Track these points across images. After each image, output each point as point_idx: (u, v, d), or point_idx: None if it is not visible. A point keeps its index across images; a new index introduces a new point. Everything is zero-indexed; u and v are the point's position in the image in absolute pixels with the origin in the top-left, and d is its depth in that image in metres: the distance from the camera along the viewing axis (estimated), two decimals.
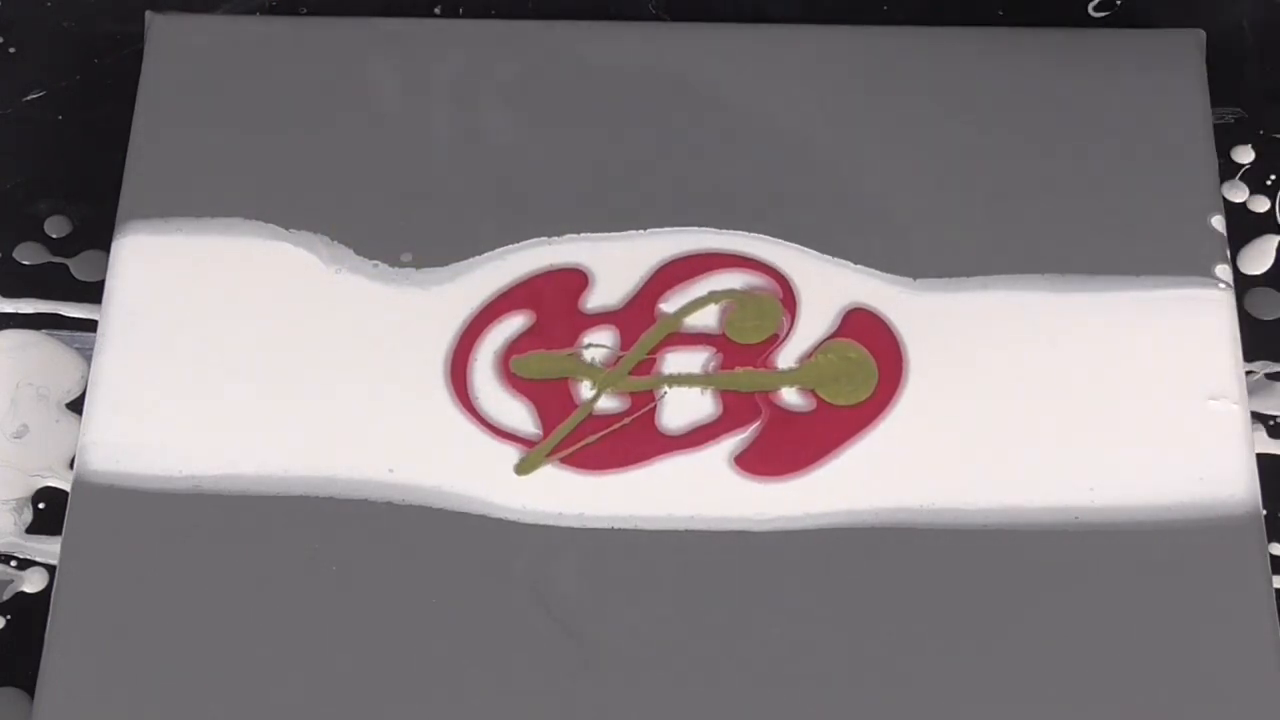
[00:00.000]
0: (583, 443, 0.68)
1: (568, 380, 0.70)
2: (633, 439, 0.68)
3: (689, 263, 0.71)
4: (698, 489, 0.67)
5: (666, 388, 0.69)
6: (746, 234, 0.72)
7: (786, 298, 0.71)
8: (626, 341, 0.70)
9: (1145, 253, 0.71)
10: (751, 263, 0.71)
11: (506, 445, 0.68)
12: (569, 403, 0.69)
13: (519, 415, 0.69)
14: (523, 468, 0.68)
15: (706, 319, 0.70)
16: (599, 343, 0.70)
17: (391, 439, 0.68)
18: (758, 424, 0.69)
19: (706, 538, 0.67)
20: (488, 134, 0.74)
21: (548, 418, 0.69)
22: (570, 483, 0.68)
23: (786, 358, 0.70)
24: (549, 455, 0.68)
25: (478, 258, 0.71)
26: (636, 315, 0.71)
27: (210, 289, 0.71)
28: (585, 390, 0.69)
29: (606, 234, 0.72)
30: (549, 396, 0.69)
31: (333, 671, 0.65)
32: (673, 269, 0.71)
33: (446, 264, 0.71)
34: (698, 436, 0.69)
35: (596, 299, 0.71)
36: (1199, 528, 0.67)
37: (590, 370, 0.70)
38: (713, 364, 0.70)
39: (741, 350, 0.70)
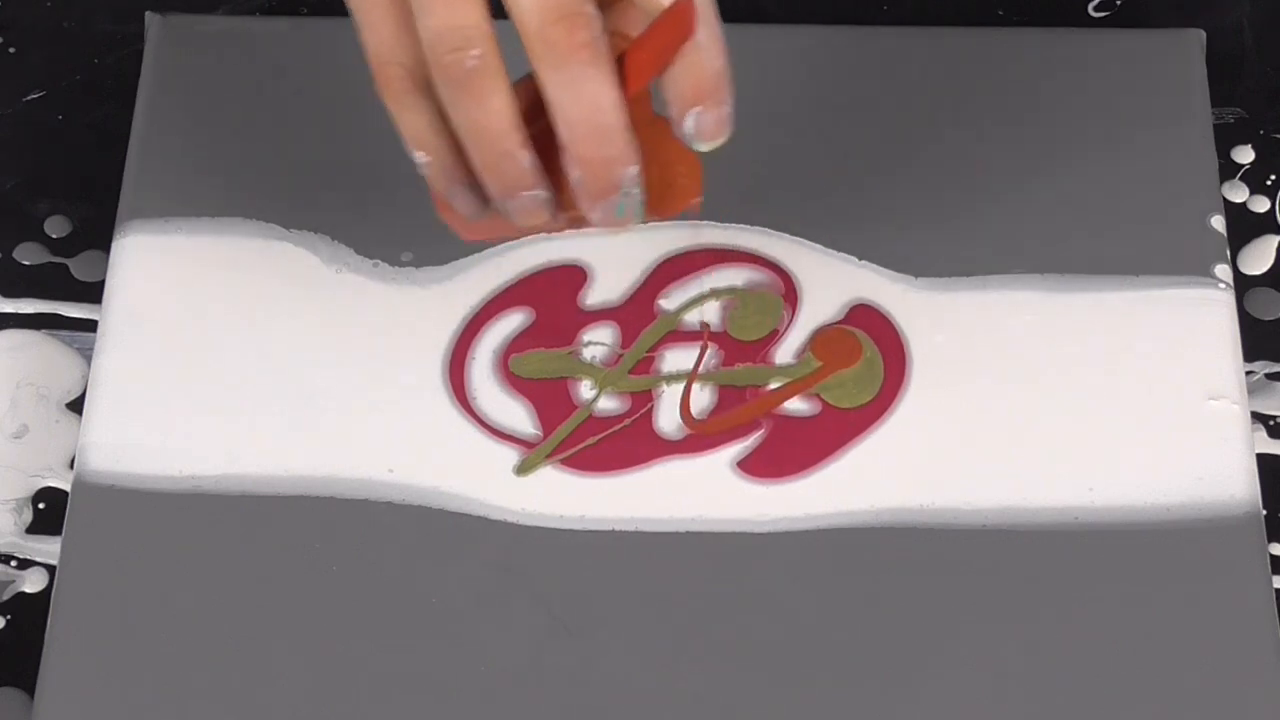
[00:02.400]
0: (582, 444, 0.68)
1: (567, 380, 0.70)
2: (634, 441, 0.68)
3: (689, 258, 0.71)
4: (699, 491, 0.67)
5: (665, 386, 0.69)
6: (748, 228, 0.72)
7: (789, 293, 0.71)
8: (626, 338, 0.70)
9: (1145, 253, 0.71)
10: (753, 258, 0.71)
11: (505, 446, 0.68)
12: (568, 403, 0.69)
13: (518, 415, 0.69)
14: (523, 469, 0.68)
15: (707, 316, 0.70)
16: (598, 340, 0.70)
17: (391, 439, 0.68)
18: (760, 433, 0.68)
19: (708, 539, 0.67)
20: None
21: (547, 418, 0.69)
22: (571, 485, 0.68)
23: (785, 354, 0.70)
24: (548, 457, 0.68)
25: (477, 255, 0.71)
26: (636, 311, 0.70)
27: (210, 289, 0.71)
28: (585, 390, 0.69)
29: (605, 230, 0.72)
30: (548, 396, 0.69)
31: (333, 671, 0.65)
32: (673, 264, 0.71)
33: (446, 262, 0.71)
34: (700, 442, 0.68)
35: (596, 295, 0.71)
36: (1199, 528, 0.67)
37: (590, 369, 0.70)
38: (714, 361, 0.70)
39: (742, 347, 0.70)
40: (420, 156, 0.60)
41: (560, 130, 0.57)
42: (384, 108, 0.74)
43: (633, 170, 0.58)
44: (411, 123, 0.59)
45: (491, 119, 0.58)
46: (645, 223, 0.60)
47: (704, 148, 0.59)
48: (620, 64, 0.58)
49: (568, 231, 0.62)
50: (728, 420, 0.69)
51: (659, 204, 0.61)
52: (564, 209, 0.60)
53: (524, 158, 0.58)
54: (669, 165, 0.61)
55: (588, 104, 0.57)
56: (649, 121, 0.60)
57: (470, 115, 0.58)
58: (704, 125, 0.59)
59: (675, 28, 0.58)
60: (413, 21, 0.58)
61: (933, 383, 0.69)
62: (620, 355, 0.70)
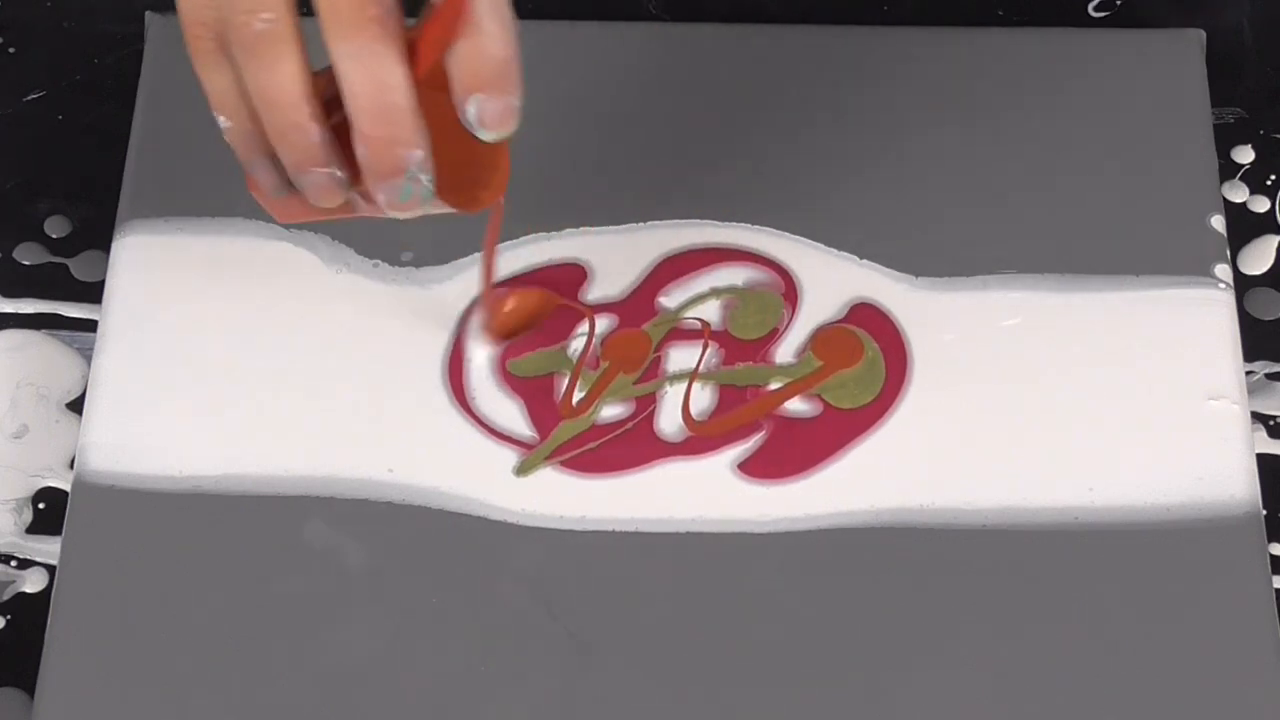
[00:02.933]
0: (583, 449, 0.68)
1: (553, 376, 0.70)
2: (635, 443, 0.68)
3: (690, 257, 0.71)
4: (699, 491, 0.67)
5: (668, 386, 0.69)
6: (749, 227, 0.72)
7: (789, 292, 0.71)
8: (624, 327, 0.70)
9: (1145, 253, 0.71)
10: (753, 257, 0.71)
11: (505, 447, 0.68)
12: (550, 400, 0.69)
13: (516, 417, 0.69)
14: (522, 470, 0.68)
15: (708, 314, 0.70)
16: (586, 332, 0.70)
17: (391, 439, 0.68)
18: (761, 435, 0.68)
19: (708, 539, 0.67)
20: None
21: (537, 417, 0.69)
22: (571, 485, 0.68)
23: (785, 353, 0.70)
24: (547, 459, 0.68)
25: (476, 254, 0.71)
26: (637, 307, 0.70)
27: (210, 289, 0.71)
28: (575, 391, 0.69)
29: (606, 228, 0.72)
30: (537, 395, 0.69)
31: (333, 671, 0.65)
32: (673, 263, 0.71)
33: (446, 262, 0.71)
34: (702, 444, 0.68)
35: (596, 291, 0.71)
36: (1199, 528, 0.67)
37: (571, 364, 0.70)
38: (714, 360, 0.70)
39: (742, 346, 0.70)
40: (223, 121, 0.59)
41: (347, 105, 0.57)
42: None
43: (417, 154, 0.58)
44: (213, 84, 0.59)
45: (281, 86, 0.57)
46: (435, 211, 0.60)
47: (487, 137, 0.59)
48: (412, 47, 0.57)
49: (368, 216, 0.62)
50: (729, 422, 0.69)
51: (456, 196, 0.60)
52: (365, 196, 0.60)
53: (313, 130, 0.58)
54: (472, 158, 0.60)
55: (373, 80, 0.56)
56: (451, 111, 0.59)
57: (259, 80, 0.57)
58: (485, 113, 0.58)
59: (452, 9, 0.57)
60: None
61: (933, 382, 0.69)
62: (598, 357, 0.70)
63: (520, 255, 0.71)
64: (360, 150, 0.57)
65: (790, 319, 0.70)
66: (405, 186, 0.58)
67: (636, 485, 0.68)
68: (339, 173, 0.59)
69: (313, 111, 0.57)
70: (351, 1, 0.56)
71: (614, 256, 0.71)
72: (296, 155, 0.58)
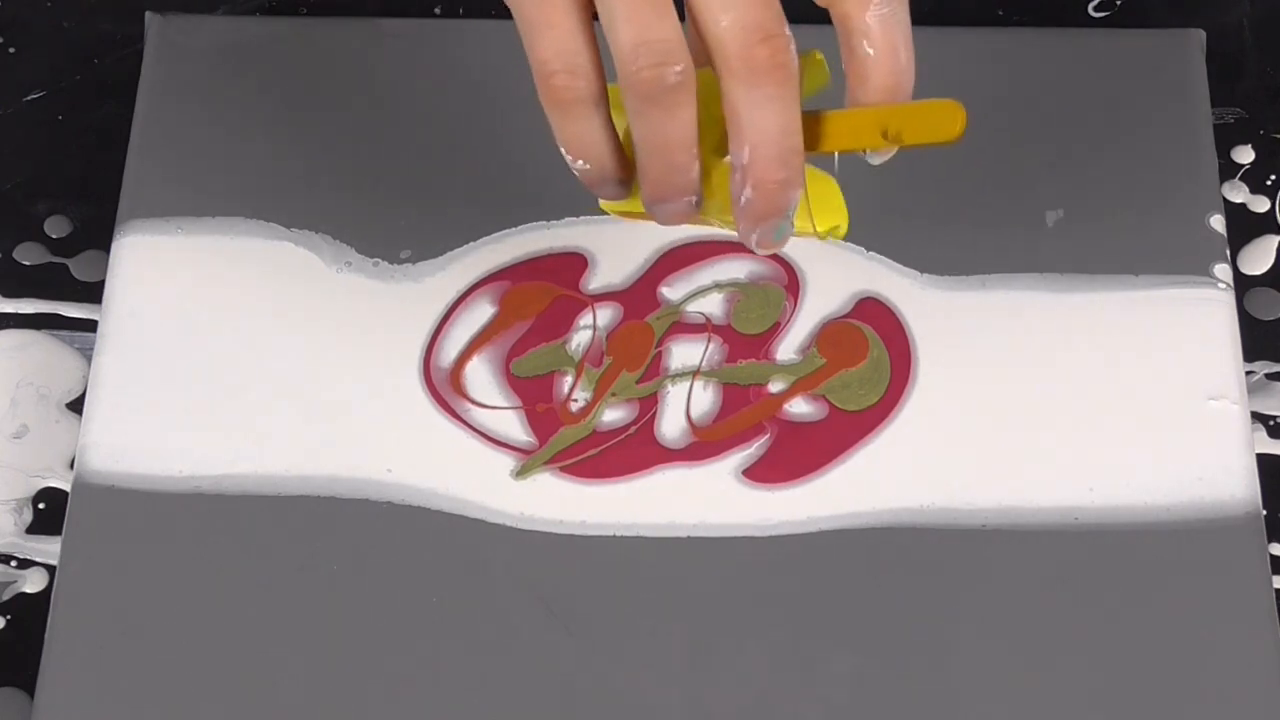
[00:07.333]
0: (584, 455, 0.68)
1: (554, 375, 0.69)
2: (636, 449, 0.68)
3: (692, 249, 0.71)
4: (702, 496, 0.67)
5: (670, 386, 0.69)
6: None
7: (791, 285, 0.71)
8: (626, 319, 0.70)
9: (1145, 253, 0.71)
10: None
11: (503, 451, 0.68)
12: (551, 402, 0.69)
13: (514, 418, 0.69)
14: (520, 473, 0.68)
15: (711, 308, 0.70)
16: (589, 324, 0.70)
17: (391, 439, 0.68)
18: (765, 438, 0.68)
19: (710, 544, 0.67)
20: (487, 133, 0.74)
21: (537, 421, 0.69)
22: (571, 490, 0.68)
23: (788, 348, 0.70)
24: (546, 464, 0.68)
25: (474, 244, 0.71)
26: (639, 297, 0.70)
27: (210, 289, 0.71)
28: (577, 389, 0.69)
29: (606, 216, 0.72)
30: (538, 396, 0.69)
31: (332, 671, 0.65)
32: (676, 254, 0.71)
33: (442, 254, 0.71)
34: (704, 449, 0.68)
35: (598, 280, 0.71)
36: (1199, 528, 0.67)
37: (573, 361, 0.69)
38: (717, 356, 0.70)
39: (745, 341, 0.70)
40: (580, 164, 0.60)
41: (743, 151, 0.58)
42: (385, 108, 0.74)
43: (798, 194, 0.59)
44: (576, 133, 0.59)
45: (679, 132, 0.58)
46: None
47: (876, 161, 0.61)
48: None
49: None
50: (732, 425, 0.69)
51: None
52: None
53: (694, 168, 0.59)
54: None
55: (779, 126, 0.57)
56: None
57: (660, 129, 0.58)
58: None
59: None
60: (592, 30, 0.58)
61: (936, 383, 0.69)
62: (602, 352, 0.70)
63: (520, 243, 0.71)
64: (748, 193, 0.58)
65: (793, 313, 0.70)
66: (782, 225, 0.59)
67: (638, 491, 0.68)
68: (696, 197, 0.60)
69: (697, 150, 0.59)
70: (765, 49, 0.57)
71: (615, 245, 0.71)
72: (673, 190, 0.59)
